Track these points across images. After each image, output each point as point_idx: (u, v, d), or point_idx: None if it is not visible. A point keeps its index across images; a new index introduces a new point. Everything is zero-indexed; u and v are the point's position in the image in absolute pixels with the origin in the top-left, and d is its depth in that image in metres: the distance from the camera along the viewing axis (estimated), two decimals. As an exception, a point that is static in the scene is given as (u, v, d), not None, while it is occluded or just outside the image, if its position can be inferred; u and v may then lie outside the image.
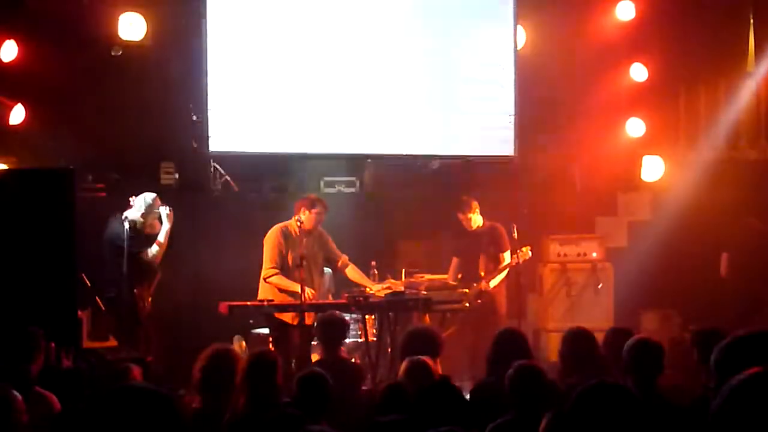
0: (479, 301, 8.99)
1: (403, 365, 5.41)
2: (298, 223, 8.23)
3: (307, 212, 8.34)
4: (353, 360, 8.36)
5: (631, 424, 2.83)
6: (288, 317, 8.22)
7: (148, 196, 8.50)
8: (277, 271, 8.30)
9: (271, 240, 8.38)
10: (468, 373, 8.40)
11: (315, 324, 7.51)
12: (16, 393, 4.02)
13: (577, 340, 5.68)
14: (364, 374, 7.08)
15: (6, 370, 4.84)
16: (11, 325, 5.88)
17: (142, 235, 8.43)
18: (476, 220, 9.27)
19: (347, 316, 8.51)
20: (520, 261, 9.01)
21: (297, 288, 7.94)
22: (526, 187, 10.28)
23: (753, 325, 5.10)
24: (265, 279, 8.36)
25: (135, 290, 8.45)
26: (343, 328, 6.92)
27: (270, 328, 8.46)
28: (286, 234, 8.38)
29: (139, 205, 8.45)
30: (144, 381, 5.02)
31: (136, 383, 3.98)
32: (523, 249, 9.00)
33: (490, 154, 10.47)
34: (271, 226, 8.48)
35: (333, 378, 4.98)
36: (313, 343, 8.12)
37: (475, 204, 9.25)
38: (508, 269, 9.11)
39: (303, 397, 4.84)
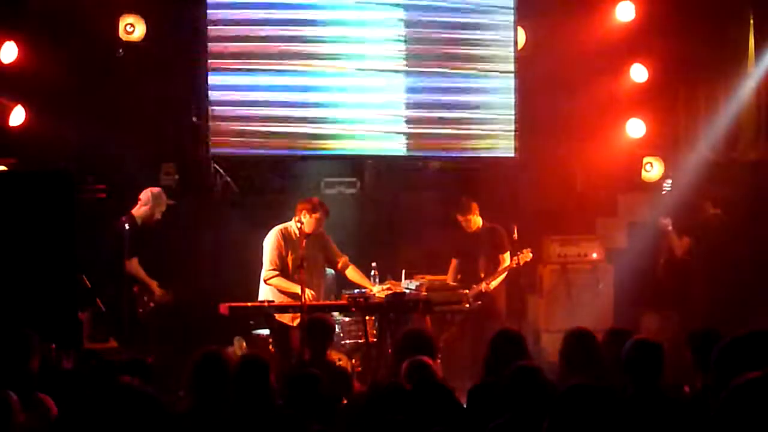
0: (479, 302, 8.98)
1: (405, 365, 5.40)
2: (299, 225, 8.22)
3: (308, 216, 8.32)
4: (353, 361, 8.38)
5: (610, 424, 2.83)
6: (288, 318, 8.22)
7: (154, 190, 8.81)
8: (277, 272, 8.29)
9: (270, 241, 8.38)
10: (468, 374, 8.38)
11: (301, 327, 7.47)
12: (12, 394, 4.01)
13: (578, 341, 5.67)
14: (350, 377, 7.07)
15: (3, 373, 4.82)
16: (11, 326, 5.87)
17: (146, 235, 8.50)
18: (476, 221, 9.26)
19: (346, 318, 8.55)
20: (521, 263, 9.00)
21: (297, 289, 7.93)
22: (526, 188, 10.27)
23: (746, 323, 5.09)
24: (265, 281, 8.35)
25: (135, 289, 8.49)
26: (329, 331, 6.89)
27: (270, 330, 8.47)
28: (286, 235, 8.37)
29: (146, 199, 8.63)
30: (140, 382, 4.98)
31: (125, 383, 3.96)
32: (524, 251, 8.98)
33: (490, 155, 10.48)
34: (272, 228, 8.48)
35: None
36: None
37: (474, 206, 9.24)
38: (507, 271, 9.10)
39: (294, 397, 4.83)
